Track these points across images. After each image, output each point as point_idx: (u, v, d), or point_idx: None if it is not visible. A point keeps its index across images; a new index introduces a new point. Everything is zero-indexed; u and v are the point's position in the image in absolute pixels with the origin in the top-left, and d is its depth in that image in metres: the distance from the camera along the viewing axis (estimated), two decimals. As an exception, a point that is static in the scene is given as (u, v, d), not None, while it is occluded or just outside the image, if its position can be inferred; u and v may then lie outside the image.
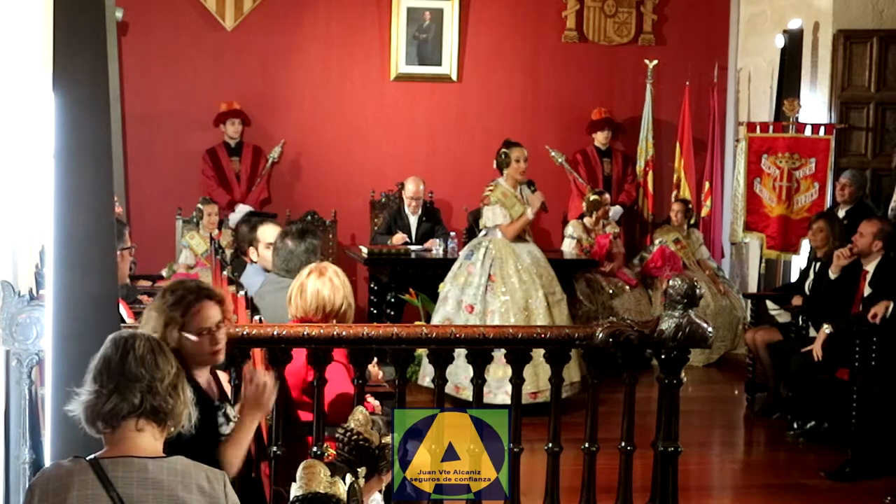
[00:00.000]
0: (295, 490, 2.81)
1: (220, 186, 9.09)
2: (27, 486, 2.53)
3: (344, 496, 2.84)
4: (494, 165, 7.18)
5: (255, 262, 5.92)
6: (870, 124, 8.44)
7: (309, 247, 5.06)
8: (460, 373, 6.56)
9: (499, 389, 6.53)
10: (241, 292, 4.60)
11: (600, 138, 9.55)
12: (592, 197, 8.79)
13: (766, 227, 8.42)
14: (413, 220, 8.84)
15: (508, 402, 6.30)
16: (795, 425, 6.61)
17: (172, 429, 2.55)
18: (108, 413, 2.45)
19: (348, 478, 2.92)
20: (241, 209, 8.85)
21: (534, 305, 6.88)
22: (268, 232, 5.78)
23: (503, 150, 7.11)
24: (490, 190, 7.08)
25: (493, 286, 6.95)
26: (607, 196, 8.94)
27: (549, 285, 7.01)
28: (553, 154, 9.33)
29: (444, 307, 7.09)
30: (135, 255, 6.00)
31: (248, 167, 9.21)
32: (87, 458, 2.44)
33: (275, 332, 3.63)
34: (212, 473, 2.53)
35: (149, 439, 2.49)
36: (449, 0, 9.46)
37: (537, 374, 6.37)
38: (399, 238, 8.67)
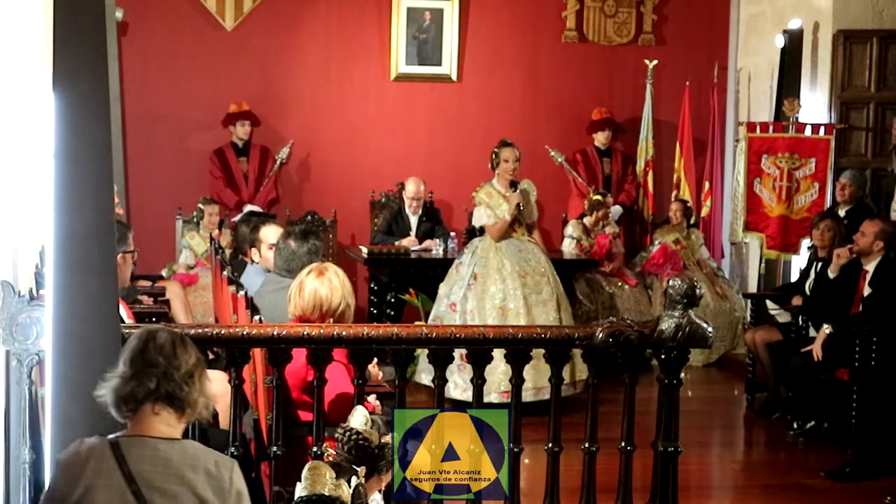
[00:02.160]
0: (299, 491, 2.81)
1: (228, 187, 9.09)
2: (56, 461, 2.72)
3: (348, 498, 2.84)
4: (489, 166, 7.21)
5: (257, 263, 5.92)
6: (870, 124, 8.44)
7: (311, 248, 5.07)
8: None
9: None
10: (241, 292, 4.60)
11: (601, 138, 9.55)
12: (595, 197, 8.79)
13: (765, 227, 8.42)
14: (413, 221, 8.83)
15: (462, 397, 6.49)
16: (795, 425, 6.61)
17: (191, 417, 2.71)
18: (127, 396, 2.64)
19: (353, 480, 2.92)
20: (251, 209, 8.83)
21: (511, 305, 6.90)
22: (270, 233, 5.78)
23: (495, 149, 7.16)
24: (476, 191, 7.14)
25: (474, 285, 7.02)
26: (610, 198, 8.94)
27: (535, 285, 7.00)
28: (553, 154, 9.34)
29: (439, 306, 7.23)
30: (136, 259, 5.99)
31: (255, 168, 9.20)
32: (108, 437, 2.64)
33: (275, 332, 3.63)
34: (221, 460, 2.69)
35: (165, 423, 2.66)
36: (449, 0, 9.46)
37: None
38: (409, 241, 8.60)
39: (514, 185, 7.07)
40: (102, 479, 2.57)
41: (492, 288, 6.96)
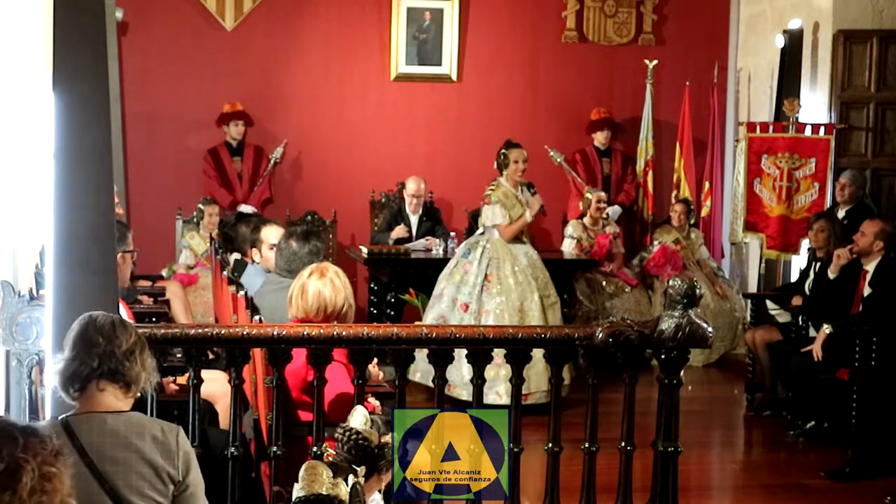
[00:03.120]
0: (297, 491, 2.81)
1: (222, 187, 9.10)
2: None
3: (346, 497, 2.84)
4: (495, 166, 7.19)
5: (257, 263, 5.92)
6: (870, 124, 8.43)
7: (312, 249, 5.07)
8: (452, 371, 6.55)
9: (489, 390, 6.54)
10: (241, 292, 4.61)
11: (600, 138, 9.55)
12: (586, 195, 8.81)
13: (766, 227, 8.42)
14: (414, 220, 8.84)
15: (498, 402, 6.44)
16: (796, 425, 6.61)
17: (136, 391, 2.87)
18: (72, 376, 2.78)
19: (351, 479, 2.92)
20: (244, 210, 8.83)
21: (529, 307, 6.89)
22: (271, 233, 5.79)
23: (503, 150, 7.13)
24: (492, 189, 7.09)
25: (489, 286, 6.97)
26: (602, 194, 8.87)
27: (545, 287, 7.02)
28: (552, 154, 9.33)
29: (439, 304, 7.12)
30: (136, 259, 5.99)
31: (249, 167, 9.21)
32: (59, 418, 2.78)
33: (275, 332, 3.63)
34: (167, 426, 2.86)
35: (111, 399, 2.80)
36: (449, 0, 9.46)
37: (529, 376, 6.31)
38: (400, 230, 8.62)
39: (530, 186, 7.06)
40: None
41: (510, 288, 6.93)
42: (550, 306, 6.99)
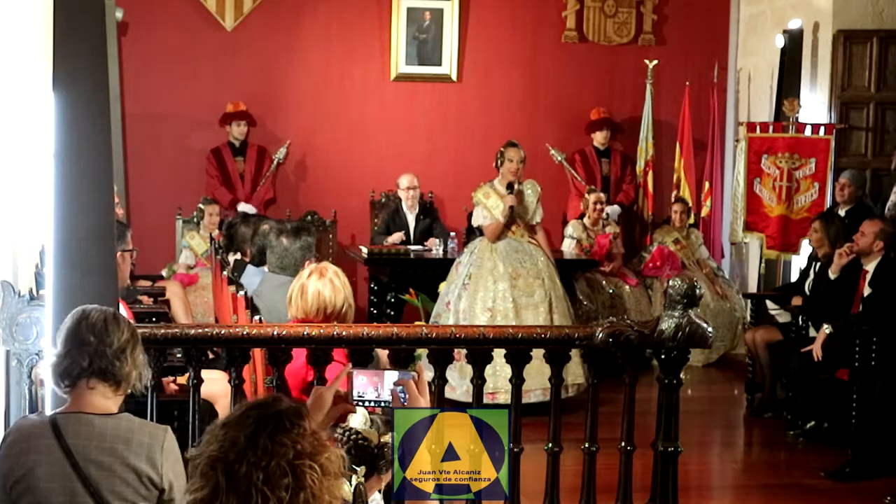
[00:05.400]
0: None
1: (224, 186, 9.10)
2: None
3: (350, 497, 2.84)
4: (495, 165, 7.21)
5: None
6: (870, 124, 8.44)
7: (304, 244, 5.12)
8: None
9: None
10: (241, 292, 4.61)
11: (599, 138, 9.54)
12: (585, 195, 8.83)
13: (766, 227, 8.42)
14: (411, 219, 8.84)
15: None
16: (796, 425, 6.61)
17: (127, 389, 2.85)
18: (63, 372, 2.77)
19: (354, 479, 2.92)
20: (244, 209, 8.83)
21: (500, 307, 6.90)
22: None
23: (501, 148, 7.16)
24: (475, 191, 7.16)
25: (468, 285, 7.05)
26: (600, 195, 8.86)
27: (527, 287, 6.98)
28: (553, 152, 9.33)
29: (439, 304, 7.26)
30: (135, 258, 5.99)
31: (252, 167, 9.21)
32: (49, 415, 2.79)
33: (275, 332, 3.63)
34: (153, 430, 2.83)
35: (99, 398, 2.79)
36: (449, 0, 9.46)
37: (496, 374, 6.29)
38: (397, 237, 8.65)
39: (510, 186, 7.06)
40: (44, 455, 2.71)
41: (482, 290, 6.98)
42: (531, 307, 6.92)
